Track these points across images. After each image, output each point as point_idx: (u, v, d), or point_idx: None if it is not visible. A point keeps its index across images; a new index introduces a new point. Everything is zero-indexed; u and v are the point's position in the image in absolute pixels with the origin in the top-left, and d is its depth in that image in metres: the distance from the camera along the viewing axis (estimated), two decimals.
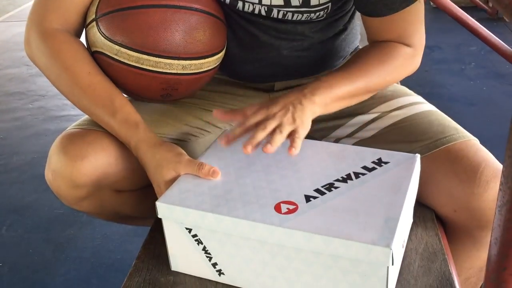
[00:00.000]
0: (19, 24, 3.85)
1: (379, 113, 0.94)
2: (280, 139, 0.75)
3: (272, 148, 0.74)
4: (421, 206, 0.88)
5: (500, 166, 0.81)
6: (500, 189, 0.58)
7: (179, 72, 0.85)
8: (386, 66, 0.87)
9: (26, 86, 2.81)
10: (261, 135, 0.75)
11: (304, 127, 0.78)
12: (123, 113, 0.84)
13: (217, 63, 0.92)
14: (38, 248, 1.59)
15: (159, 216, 0.74)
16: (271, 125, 0.76)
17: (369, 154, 0.81)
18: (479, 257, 0.89)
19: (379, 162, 0.79)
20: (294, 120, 0.77)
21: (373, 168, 0.78)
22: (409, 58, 0.88)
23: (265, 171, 0.80)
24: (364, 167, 0.78)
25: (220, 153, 0.84)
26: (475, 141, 0.87)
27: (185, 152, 0.83)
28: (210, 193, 0.75)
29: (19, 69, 3.04)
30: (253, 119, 0.78)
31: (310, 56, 0.98)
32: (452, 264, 0.76)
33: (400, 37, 0.88)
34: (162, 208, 0.74)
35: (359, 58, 0.88)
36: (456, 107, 2.21)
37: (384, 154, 0.81)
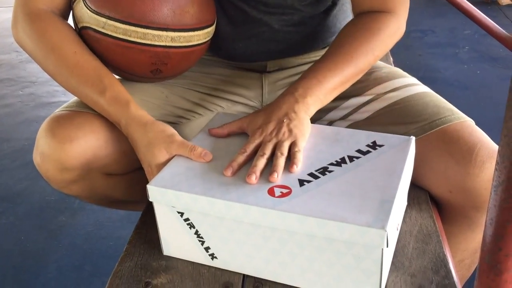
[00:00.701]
0: (8, 10, 3.79)
1: (373, 95, 0.93)
2: (282, 161, 0.73)
3: (278, 175, 0.71)
4: (415, 188, 0.87)
5: (495, 146, 0.81)
6: (496, 169, 0.58)
7: (168, 44, 0.83)
8: (372, 42, 0.85)
9: (16, 73, 2.78)
10: (262, 162, 0.73)
11: (303, 136, 0.77)
12: (113, 91, 0.83)
13: (207, 38, 0.90)
14: (30, 235, 1.57)
15: (150, 199, 0.73)
16: (269, 149, 0.75)
17: (364, 137, 0.80)
18: (474, 238, 0.88)
19: (374, 145, 0.78)
20: (291, 132, 0.77)
21: (368, 152, 0.77)
22: (394, 27, 0.87)
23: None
24: (359, 151, 0.77)
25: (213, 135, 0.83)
26: (470, 122, 0.86)
27: (177, 133, 0.81)
28: (203, 176, 0.73)
29: (9, 56, 3.00)
30: (252, 145, 0.76)
31: (302, 32, 0.96)
32: (446, 246, 0.76)
33: (384, 3, 0.87)
34: (154, 192, 0.72)
35: (343, 42, 0.86)
36: (450, 91, 2.20)
37: (379, 137, 0.80)
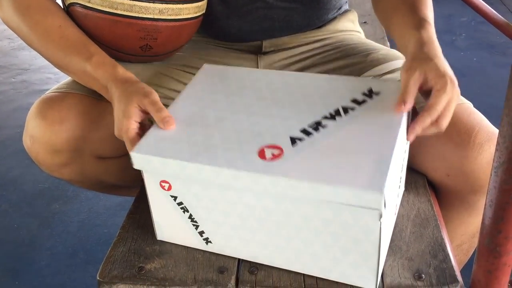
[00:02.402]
0: None
1: (371, 77, 0.91)
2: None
3: None
4: (413, 172, 0.86)
5: (494, 129, 0.80)
6: (496, 150, 0.56)
7: (156, 17, 0.81)
8: None
9: (8, 60, 2.74)
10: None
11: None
12: (99, 56, 0.80)
13: (198, 13, 0.87)
14: (24, 223, 1.56)
15: (134, 167, 0.70)
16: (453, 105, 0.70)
17: (359, 84, 0.77)
18: (471, 223, 0.87)
19: (370, 94, 0.74)
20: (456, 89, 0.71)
21: (363, 101, 0.73)
22: None
23: (247, 111, 0.74)
24: (354, 100, 0.73)
25: (198, 93, 0.79)
26: (469, 104, 0.85)
27: (157, 96, 0.76)
28: (189, 140, 0.69)
29: (1, 43, 2.96)
30: (439, 106, 0.69)
31: (297, 8, 0.94)
32: (444, 230, 0.75)
33: None
34: (138, 159, 0.69)
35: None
36: None
37: (375, 83, 0.76)
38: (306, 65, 0.98)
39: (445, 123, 0.70)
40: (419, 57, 0.72)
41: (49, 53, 0.83)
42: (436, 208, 0.79)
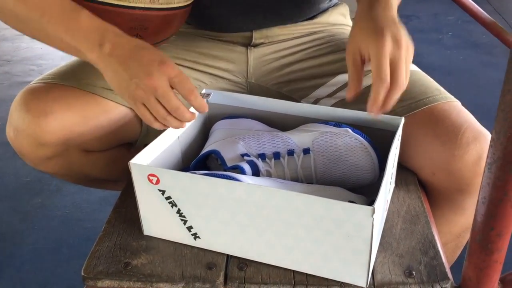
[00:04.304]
0: None
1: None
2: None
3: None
4: (403, 169, 0.85)
5: (481, 128, 0.79)
6: (491, 146, 0.56)
7: (146, 6, 0.78)
8: None
9: None
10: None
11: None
12: (89, 13, 0.71)
13: (188, 2, 0.85)
14: (5, 217, 1.52)
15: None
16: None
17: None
18: (457, 221, 0.87)
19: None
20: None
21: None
22: None
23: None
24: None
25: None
26: (457, 102, 0.84)
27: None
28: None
29: None
30: (385, 67, 0.64)
31: None
32: (434, 227, 0.74)
33: None
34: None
35: None
36: (433, 76, 2.16)
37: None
38: (297, 58, 0.97)
39: (401, 80, 0.65)
40: (353, 34, 0.69)
41: (35, 24, 0.72)
42: (426, 205, 0.79)
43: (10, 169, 1.72)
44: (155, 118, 0.69)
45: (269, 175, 0.75)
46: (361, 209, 0.60)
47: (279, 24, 0.96)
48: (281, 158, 0.76)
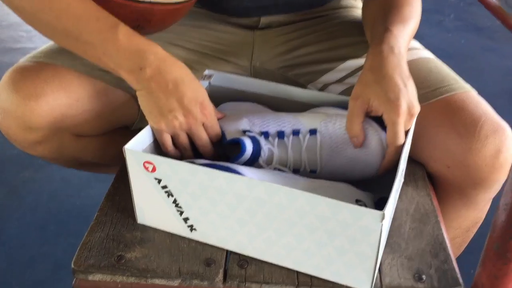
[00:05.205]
0: None
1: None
2: None
3: None
4: (411, 162, 0.81)
5: (500, 120, 0.75)
6: None
7: (152, 0, 0.73)
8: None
9: None
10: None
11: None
12: (127, 30, 0.68)
13: None
14: None
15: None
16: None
17: None
18: (468, 217, 0.84)
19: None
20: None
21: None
22: None
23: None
24: None
25: None
26: (474, 92, 0.80)
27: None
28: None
29: None
30: (398, 139, 0.66)
31: None
32: (444, 227, 0.71)
33: None
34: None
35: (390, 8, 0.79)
36: None
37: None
38: (305, 42, 0.92)
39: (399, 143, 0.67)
40: (365, 81, 0.69)
41: (62, 25, 0.67)
42: (435, 202, 0.75)
43: None
44: (172, 147, 0.71)
45: (271, 154, 0.70)
46: (369, 213, 0.56)
47: (290, 11, 0.91)
48: (285, 138, 0.71)
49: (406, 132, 0.68)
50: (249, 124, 0.72)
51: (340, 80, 0.87)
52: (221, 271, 0.64)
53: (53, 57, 0.77)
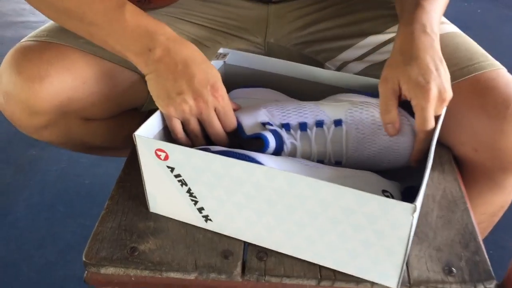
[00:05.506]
0: None
1: (395, 33, 0.80)
2: None
3: None
4: (437, 145, 0.76)
5: None
6: None
7: None
8: None
9: None
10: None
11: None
12: (134, 9, 0.64)
13: None
14: None
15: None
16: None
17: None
18: (494, 201, 0.80)
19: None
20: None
21: None
22: None
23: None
24: None
25: None
26: (504, 70, 0.75)
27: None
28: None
29: None
30: (431, 121, 0.62)
31: None
32: (473, 215, 0.67)
33: None
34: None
35: None
36: None
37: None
38: (323, 16, 0.86)
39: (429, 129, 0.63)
40: (395, 63, 0.65)
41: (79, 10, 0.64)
42: (463, 188, 0.71)
43: (1, 118, 1.63)
44: (182, 134, 0.67)
45: (293, 148, 0.66)
46: (400, 206, 0.52)
47: None
48: (308, 130, 0.66)
49: (436, 118, 0.63)
50: (267, 115, 0.68)
51: (360, 58, 0.82)
52: (239, 263, 0.61)
53: (58, 36, 0.73)
